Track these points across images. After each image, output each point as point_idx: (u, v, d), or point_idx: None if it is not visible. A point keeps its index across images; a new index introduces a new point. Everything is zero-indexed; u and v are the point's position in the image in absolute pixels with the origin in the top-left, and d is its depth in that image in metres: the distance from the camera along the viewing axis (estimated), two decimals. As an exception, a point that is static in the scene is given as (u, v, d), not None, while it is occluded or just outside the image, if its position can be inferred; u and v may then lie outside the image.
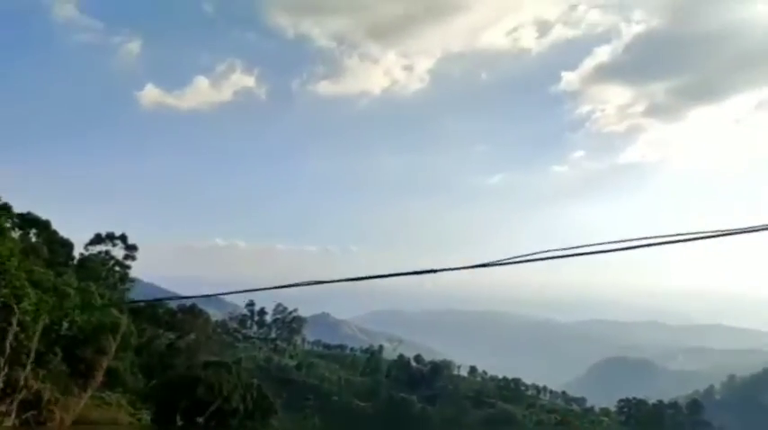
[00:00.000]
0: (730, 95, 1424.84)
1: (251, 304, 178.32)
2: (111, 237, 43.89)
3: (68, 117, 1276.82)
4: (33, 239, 34.48)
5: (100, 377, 31.59)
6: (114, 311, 35.66)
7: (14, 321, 14.42)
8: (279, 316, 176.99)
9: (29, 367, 18.55)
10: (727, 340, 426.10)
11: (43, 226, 37.52)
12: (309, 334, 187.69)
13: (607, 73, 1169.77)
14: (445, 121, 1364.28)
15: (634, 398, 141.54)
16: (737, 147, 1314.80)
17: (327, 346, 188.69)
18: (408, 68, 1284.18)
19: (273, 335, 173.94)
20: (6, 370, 14.76)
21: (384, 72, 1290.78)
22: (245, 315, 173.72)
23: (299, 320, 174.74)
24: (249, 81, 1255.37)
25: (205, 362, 40.24)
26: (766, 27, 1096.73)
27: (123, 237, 44.34)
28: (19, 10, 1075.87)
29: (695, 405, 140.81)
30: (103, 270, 43.16)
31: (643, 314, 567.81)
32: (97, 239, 44.17)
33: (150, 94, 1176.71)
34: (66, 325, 19.13)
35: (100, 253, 45.03)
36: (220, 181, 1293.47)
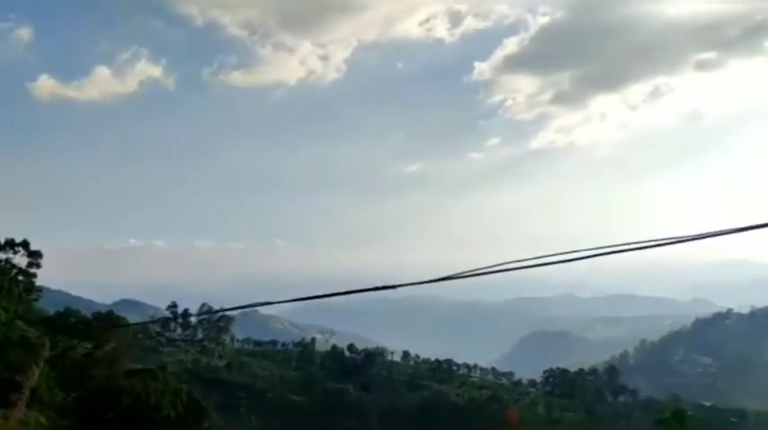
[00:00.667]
0: (628, 84, 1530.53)
1: (173, 306, 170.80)
2: (11, 245, 40.00)
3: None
4: None
5: (21, 396, 28.97)
6: (21, 324, 32.70)
7: None
8: (204, 316, 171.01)
9: None
10: (639, 308, 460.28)
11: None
12: (238, 332, 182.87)
13: (516, 63, 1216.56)
14: (363, 111, 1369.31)
15: (557, 368, 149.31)
16: (634, 131, 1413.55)
17: (258, 343, 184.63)
18: (324, 58, 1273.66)
19: (200, 336, 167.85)
20: None
21: (300, 62, 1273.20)
22: (167, 317, 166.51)
23: (227, 319, 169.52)
24: (156, 71, 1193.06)
25: (128, 370, 37.85)
26: (659, 20, 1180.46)
27: (25, 244, 40.55)
28: None
29: (612, 370, 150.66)
30: (5, 280, 39.39)
31: (560, 288, 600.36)
32: (-5, 246, 40.25)
33: (45, 84, 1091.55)
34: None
35: None
36: (130, 177, 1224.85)
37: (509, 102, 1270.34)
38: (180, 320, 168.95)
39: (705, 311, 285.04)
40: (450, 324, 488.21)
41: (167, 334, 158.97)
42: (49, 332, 37.80)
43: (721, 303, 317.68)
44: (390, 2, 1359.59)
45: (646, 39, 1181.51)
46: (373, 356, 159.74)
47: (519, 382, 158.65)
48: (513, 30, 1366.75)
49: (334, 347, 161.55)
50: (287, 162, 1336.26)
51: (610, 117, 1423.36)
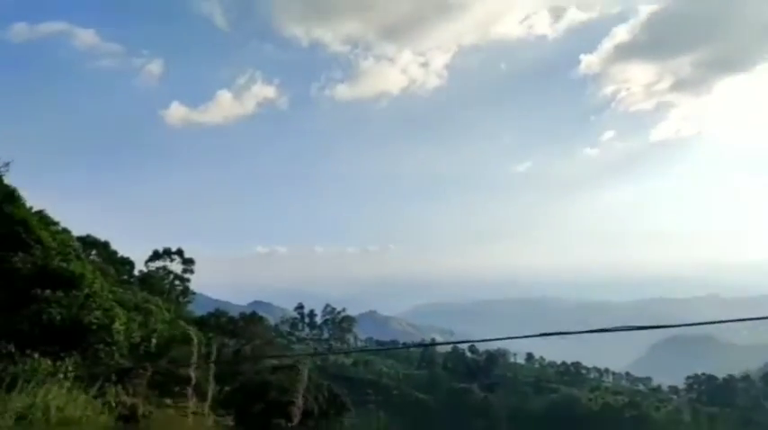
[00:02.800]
0: (758, 63, 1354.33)
1: (300, 307, 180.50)
2: (168, 253, 44.78)
3: (97, 140, 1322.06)
4: (96, 260, 35.33)
5: (185, 388, 32.16)
6: (182, 323, 36.19)
7: (110, 342, 14.60)
8: (328, 316, 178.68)
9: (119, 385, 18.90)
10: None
11: (103, 246, 38.44)
12: (360, 332, 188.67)
13: (627, 52, 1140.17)
14: (467, 115, 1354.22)
15: (703, 374, 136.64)
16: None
17: (381, 343, 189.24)
18: (425, 65, 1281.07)
19: (326, 335, 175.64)
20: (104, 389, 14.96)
21: (401, 71, 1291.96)
22: (295, 318, 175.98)
23: (349, 319, 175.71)
24: (270, 91, 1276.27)
25: (273, 366, 40.62)
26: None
27: (180, 252, 45.17)
28: (42, 40, 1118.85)
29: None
30: (165, 285, 44.06)
31: (701, 289, 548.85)
32: (155, 256, 45.12)
33: (176, 111, 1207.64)
34: (154, 341, 19.37)
35: (158, 269, 45.98)
36: (253, 190, 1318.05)
37: (623, 93, 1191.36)
38: (307, 321, 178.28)
39: None
40: (576, 326, 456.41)
41: (297, 333, 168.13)
42: (204, 331, 41.49)
43: None
44: (488, 2, 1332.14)
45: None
46: (495, 358, 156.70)
47: (658, 389, 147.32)
48: (621, 18, 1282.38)
49: (455, 348, 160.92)
50: (395, 168, 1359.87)
51: (742, 100, 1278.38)
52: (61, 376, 12.39)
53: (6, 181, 17.08)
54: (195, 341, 36.65)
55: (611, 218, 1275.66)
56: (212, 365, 37.53)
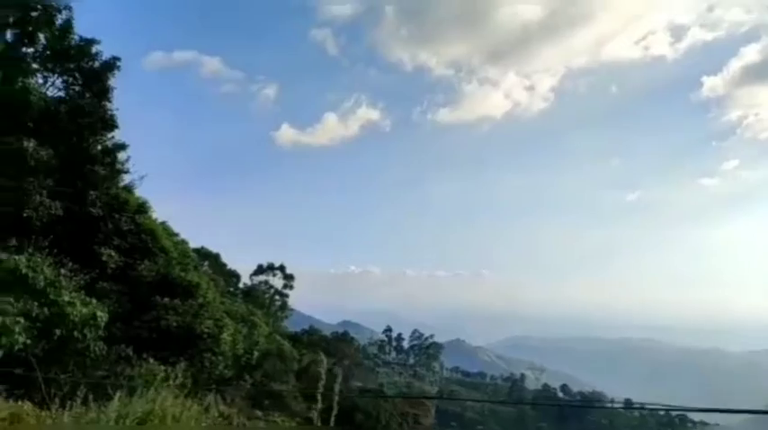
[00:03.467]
0: None
1: (388, 330, 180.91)
2: (271, 268, 46.77)
3: (216, 160, 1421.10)
4: (207, 271, 37.41)
5: (275, 401, 33.06)
6: (278, 337, 37.30)
7: (218, 351, 15.23)
8: (416, 342, 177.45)
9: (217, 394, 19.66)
10: None
11: (214, 258, 40.76)
12: (446, 360, 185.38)
13: (757, 73, 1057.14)
14: (574, 138, 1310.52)
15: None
16: None
17: (467, 374, 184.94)
18: (530, 89, 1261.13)
19: (411, 361, 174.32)
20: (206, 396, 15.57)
21: (505, 95, 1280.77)
22: (383, 341, 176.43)
23: (436, 346, 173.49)
24: (374, 114, 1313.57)
25: (362, 389, 40.73)
26: None
27: (282, 268, 47.03)
28: (175, 68, 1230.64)
29: None
30: (266, 299, 45.88)
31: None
32: (259, 270, 47.22)
33: (286, 133, 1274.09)
34: (256, 354, 20.03)
35: (260, 283, 48.05)
36: (352, 210, 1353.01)
37: (750, 118, 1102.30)
38: (394, 344, 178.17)
39: None
40: (678, 373, 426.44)
41: (383, 356, 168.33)
42: (297, 346, 42.52)
43: None
44: (599, 22, 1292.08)
45: None
46: (590, 401, 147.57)
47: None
48: (750, 37, 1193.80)
49: (546, 386, 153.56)
50: (494, 193, 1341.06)
51: None
52: (172, 382, 12.98)
53: (138, 193, 18.63)
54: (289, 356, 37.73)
55: (725, 255, 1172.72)
56: (297, 382, 38.35)
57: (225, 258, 43.61)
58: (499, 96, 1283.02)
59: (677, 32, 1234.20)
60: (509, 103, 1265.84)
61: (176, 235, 24.10)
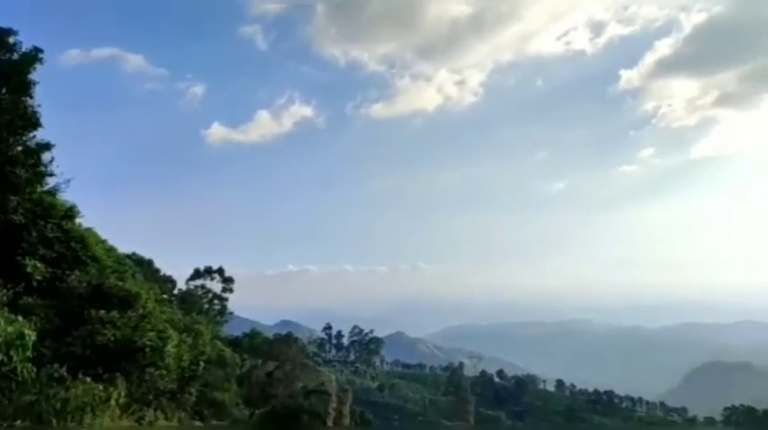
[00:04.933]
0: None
1: (328, 328, 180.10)
2: (209, 272, 45.09)
3: (141, 161, 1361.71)
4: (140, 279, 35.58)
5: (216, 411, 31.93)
6: (219, 343, 36.12)
7: (162, 364, 14.36)
8: (356, 338, 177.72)
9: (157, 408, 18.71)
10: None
11: (147, 264, 38.84)
12: (387, 354, 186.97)
13: (670, 66, 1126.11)
14: (503, 132, 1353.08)
15: (741, 405, 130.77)
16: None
17: (407, 366, 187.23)
18: (461, 83, 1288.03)
19: (352, 357, 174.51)
20: (145, 413, 14.71)
21: (437, 89, 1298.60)
22: (323, 339, 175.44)
23: (377, 341, 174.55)
24: (307, 111, 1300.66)
25: (307, 390, 40.14)
26: None
27: (221, 271, 45.44)
28: (93, 65, 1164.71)
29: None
30: (203, 304, 44.23)
31: (735, 314, 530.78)
32: (196, 274, 45.43)
33: (217, 131, 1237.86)
34: (202, 364, 19.12)
35: (196, 287, 46.27)
36: (287, 208, 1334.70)
37: (664, 108, 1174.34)
38: (334, 342, 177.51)
39: None
40: (607, 352, 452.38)
41: (323, 355, 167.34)
42: (237, 351, 41.33)
43: None
44: (524, 19, 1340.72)
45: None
46: (525, 384, 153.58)
47: (694, 420, 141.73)
48: (663, 31, 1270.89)
49: (484, 373, 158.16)
50: (429, 186, 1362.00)
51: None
52: (114, 402, 12.09)
53: (64, 197, 17.24)
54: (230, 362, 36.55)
55: (643, 239, 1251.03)
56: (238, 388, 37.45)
57: (158, 263, 41.76)
58: (432, 91, 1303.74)
59: (596, 28, 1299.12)
60: (441, 98, 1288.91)
61: (104, 241, 22.66)
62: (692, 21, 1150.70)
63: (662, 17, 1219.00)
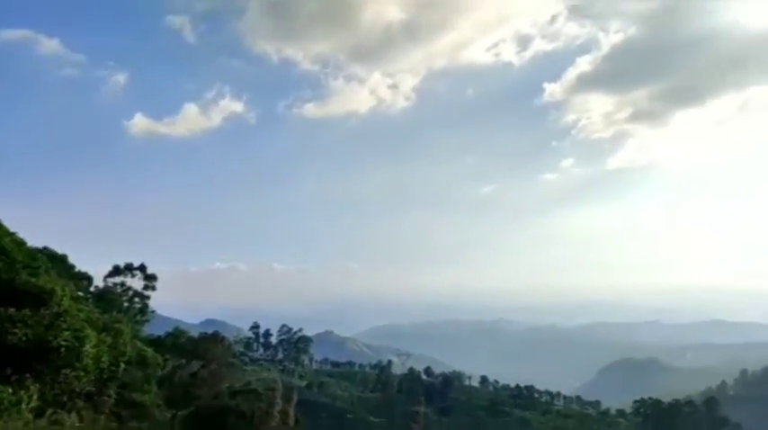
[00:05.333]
0: (712, 98, 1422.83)
1: (256, 326, 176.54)
2: (129, 268, 42.86)
3: (59, 150, 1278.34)
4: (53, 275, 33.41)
5: (137, 413, 30.59)
6: (139, 343, 34.65)
7: (79, 365, 13.57)
8: (284, 337, 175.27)
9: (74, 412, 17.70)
10: (732, 335, 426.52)
11: (60, 260, 36.58)
12: (315, 353, 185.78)
13: (589, 82, 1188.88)
14: (434, 136, 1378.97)
15: (650, 398, 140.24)
16: (722, 147, 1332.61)
17: (336, 364, 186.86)
18: (394, 87, 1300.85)
19: (280, 356, 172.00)
20: (61, 416, 13.93)
21: (370, 92, 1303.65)
22: (250, 337, 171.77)
23: (305, 340, 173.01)
24: (238, 107, 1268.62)
25: (233, 390, 39.15)
26: (744, 31, 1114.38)
27: (142, 268, 43.30)
28: (1, 47, 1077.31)
29: (711, 402, 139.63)
30: (122, 302, 42.09)
31: (645, 314, 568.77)
32: (116, 271, 43.09)
33: (140, 122, 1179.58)
34: (122, 365, 18.14)
35: (115, 284, 43.97)
36: (215, 205, 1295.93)
37: (583, 121, 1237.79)
38: (262, 340, 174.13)
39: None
40: (528, 349, 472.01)
41: (250, 354, 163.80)
42: (159, 351, 39.82)
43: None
44: (457, 29, 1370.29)
45: (729, 50, 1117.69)
46: (451, 380, 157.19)
47: (607, 412, 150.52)
48: (584, 49, 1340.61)
49: (412, 370, 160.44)
50: (360, 187, 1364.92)
51: (694, 133, 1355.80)
52: (25, 406, 11.39)
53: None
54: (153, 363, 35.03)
55: (562, 243, 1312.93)
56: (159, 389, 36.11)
57: (73, 259, 39.28)
58: (365, 93, 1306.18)
59: (523, 42, 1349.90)
60: (374, 100, 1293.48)
61: (13, 234, 21.09)
62: (610, 40, 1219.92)
63: (583, 35, 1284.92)
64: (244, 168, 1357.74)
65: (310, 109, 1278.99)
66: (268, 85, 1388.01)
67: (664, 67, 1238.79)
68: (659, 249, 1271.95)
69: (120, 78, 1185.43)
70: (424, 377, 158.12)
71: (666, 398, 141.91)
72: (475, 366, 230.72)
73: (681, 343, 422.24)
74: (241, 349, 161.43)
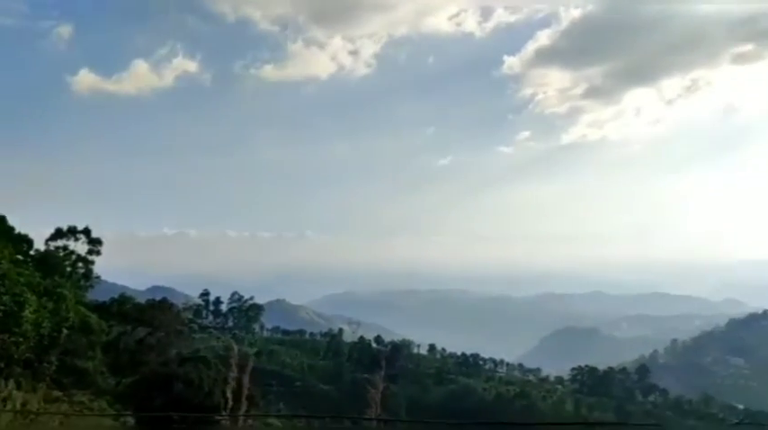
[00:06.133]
0: (663, 78, 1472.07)
1: (206, 294, 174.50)
2: (73, 232, 41.54)
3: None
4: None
5: (79, 380, 30.28)
6: (82, 309, 34.10)
7: (18, 331, 13.45)
8: (235, 304, 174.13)
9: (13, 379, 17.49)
10: (669, 307, 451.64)
11: (-2, 222, 35.25)
12: (267, 321, 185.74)
13: (547, 57, 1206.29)
14: (394, 105, 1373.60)
15: (586, 366, 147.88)
16: (669, 125, 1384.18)
17: (286, 332, 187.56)
18: (354, 53, 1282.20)
19: (231, 324, 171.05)
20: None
21: (330, 57, 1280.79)
22: (199, 305, 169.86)
23: (256, 308, 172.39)
24: (191, 66, 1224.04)
25: (182, 357, 39.14)
26: (695, 13, 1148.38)
27: (87, 231, 42.01)
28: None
29: (643, 369, 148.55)
30: (65, 266, 40.94)
31: (589, 286, 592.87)
32: (58, 234, 41.68)
33: (85, 79, 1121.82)
34: (65, 331, 17.94)
35: (57, 248, 42.63)
36: (166, 168, 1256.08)
37: (540, 96, 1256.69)
38: (212, 308, 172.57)
39: (737, 312, 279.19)
40: (477, 318, 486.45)
41: (199, 321, 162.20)
42: (104, 318, 39.29)
43: (755, 304, 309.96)
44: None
45: (681, 32, 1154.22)
46: (400, 349, 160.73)
47: (546, 379, 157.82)
48: (544, 23, 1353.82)
49: (362, 339, 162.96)
50: (318, 154, 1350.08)
51: (644, 111, 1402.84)
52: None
53: None
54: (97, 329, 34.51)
55: (517, 215, 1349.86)
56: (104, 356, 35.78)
57: (12, 220, 37.75)
58: (325, 58, 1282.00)
59: (485, 12, 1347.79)
60: (334, 66, 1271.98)
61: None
62: (570, 15, 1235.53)
63: (544, 9, 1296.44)
64: (197, 131, 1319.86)
65: (269, 71, 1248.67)
66: (224, 44, 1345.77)
67: (618, 46, 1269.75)
68: (608, 223, 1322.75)
69: (65, 31, 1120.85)
70: (374, 345, 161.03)
71: (602, 366, 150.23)
72: (427, 335, 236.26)
73: (620, 314, 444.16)
74: (190, 316, 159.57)
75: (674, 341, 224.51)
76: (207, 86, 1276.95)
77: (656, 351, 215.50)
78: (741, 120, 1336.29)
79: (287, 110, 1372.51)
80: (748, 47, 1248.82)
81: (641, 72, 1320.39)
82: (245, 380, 43.45)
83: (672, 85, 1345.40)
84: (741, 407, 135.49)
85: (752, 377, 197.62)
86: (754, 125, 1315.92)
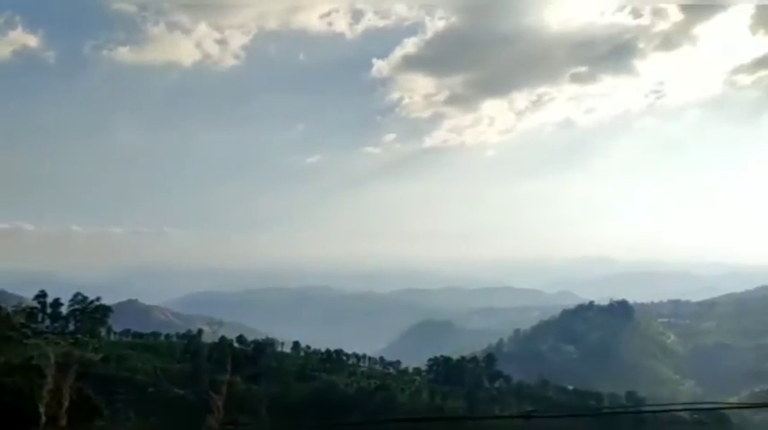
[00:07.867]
0: (514, 91, 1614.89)
1: (42, 295, 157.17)
2: None
3: None
4: None
5: None
6: None
7: None
8: (77, 306, 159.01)
9: None
10: (513, 300, 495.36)
11: None
12: (116, 324, 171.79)
13: (414, 63, 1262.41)
14: (263, 99, 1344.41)
15: (441, 357, 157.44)
16: (518, 135, 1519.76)
17: (139, 335, 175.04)
18: (222, 43, 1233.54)
19: (72, 328, 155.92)
20: None
21: (195, 44, 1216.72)
22: (34, 308, 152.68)
23: (103, 309, 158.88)
24: (32, 40, 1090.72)
25: (11, 366, 35.41)
26: (543, 33, 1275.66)
27: None
28: None
29: (490, 358, 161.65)
30: None
31: (447, 281, 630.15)
32: None
33: None
34: None
35: None
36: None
37: (406, 100, 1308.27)
38: (49, 311, 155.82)
39: (570, 303, 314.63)
40: (341, 315, 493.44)
41: (33, 325, 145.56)
42: None
43: (584, 296, 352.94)
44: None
45: (530, 50, 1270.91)
46: (263, 348, 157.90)
47: (405, 371, 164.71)
48: (412, 30, 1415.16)
49: (223, 339, 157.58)
50: (180, 145, 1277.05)
51: (497, 121, 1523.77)
52: None
53: None
54: None
55: (381, 214, 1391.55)
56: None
57: None
58: (189, 45, 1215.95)
59: (356, 15, 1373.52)
60: (199, 54, 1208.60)
61: None
62: (434, 25, 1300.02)
63: (411, 17, 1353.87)
64: (37, 112, 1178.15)
65: (125, 53, 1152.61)
66: (72, 21, 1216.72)
67: (477, 58, 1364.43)
68: (466, 223, 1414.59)
69: None
70: (236, 345, 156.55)
71: (455, 356, 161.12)
72: (293, 333, 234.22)
73: (472, 307, 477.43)
74: (22, 321, 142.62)
75: (517, 331, 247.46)
76: (50, 64, 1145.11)
77: (501, 340, 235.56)
78: (577, 133, 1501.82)
79: (145, 96, 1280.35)
80: (584, 68, 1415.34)
81: (496, 84, 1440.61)
82: (88, 389, 40.40)
83: (521, 97, 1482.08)
84: (571, 388, 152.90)
85: (580, 361, 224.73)
86: (587, 138, 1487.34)
